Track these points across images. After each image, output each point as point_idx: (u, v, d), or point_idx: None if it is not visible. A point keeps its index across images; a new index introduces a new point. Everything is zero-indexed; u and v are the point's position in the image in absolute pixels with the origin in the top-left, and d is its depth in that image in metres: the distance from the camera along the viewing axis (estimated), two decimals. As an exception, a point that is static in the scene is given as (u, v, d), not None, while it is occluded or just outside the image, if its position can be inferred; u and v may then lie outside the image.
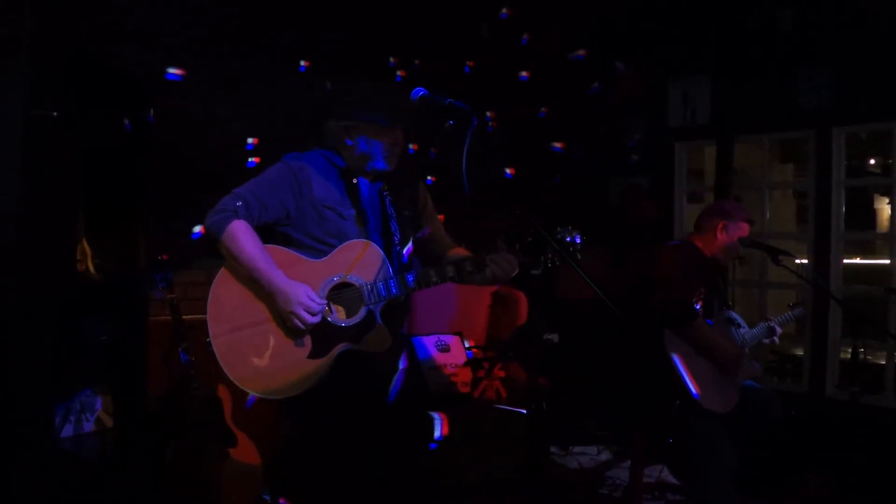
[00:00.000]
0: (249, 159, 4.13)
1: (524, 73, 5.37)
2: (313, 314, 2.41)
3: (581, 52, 5.64)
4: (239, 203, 2.47)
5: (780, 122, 4.98)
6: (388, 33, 4.79)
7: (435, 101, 2.41)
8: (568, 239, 2.46)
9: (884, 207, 8.63)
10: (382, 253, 2.52)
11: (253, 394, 2.46)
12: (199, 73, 4.12)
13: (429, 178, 3.71)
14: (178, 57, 4.06)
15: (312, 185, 2.54)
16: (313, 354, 2.44)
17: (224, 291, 2.49)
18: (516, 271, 2.51)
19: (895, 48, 4.36)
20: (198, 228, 3.92)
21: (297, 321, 2.40)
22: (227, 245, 2.45)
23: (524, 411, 4.33)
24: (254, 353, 2.43)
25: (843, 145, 4.74)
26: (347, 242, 2.51)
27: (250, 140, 4.13)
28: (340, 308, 2.49)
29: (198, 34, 4.13)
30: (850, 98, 4.57)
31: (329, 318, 2.46)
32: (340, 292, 2.49)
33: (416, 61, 4.77)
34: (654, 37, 5.53)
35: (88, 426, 3.48)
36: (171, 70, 4.04)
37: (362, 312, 2.48)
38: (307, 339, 2.45)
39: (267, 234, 2.54)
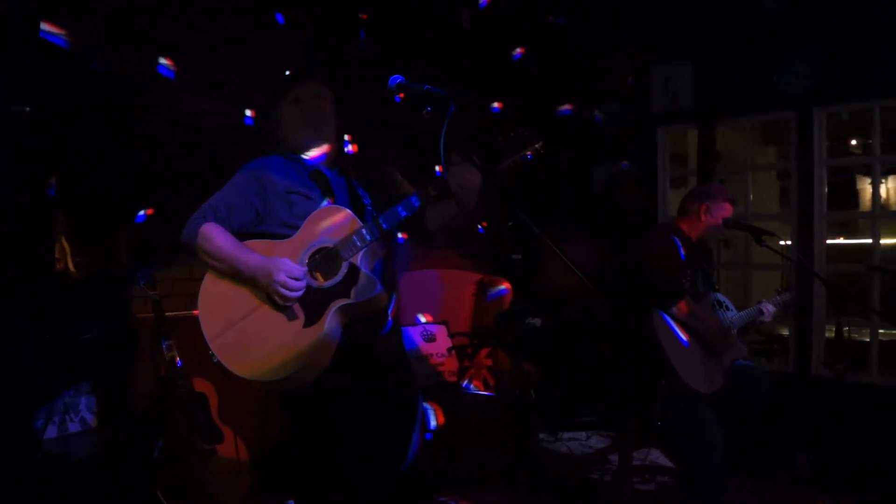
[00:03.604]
0: (247, 114, 4.14)
1: (519, 51, 5.34)
2: (298, 279, 2.41)
3: (568, 106, 5.67)
4: (207, 211, 2.53)
5: (762, 105, 4.99)
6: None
7: (413, 87, 2.40)
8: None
9: (866, 188, 8.68)
10: (348, 209, 2.53)
11: (262, 381, 2.43)
12: (182, 69, 4.08)
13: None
14: (160, 54, 4.02)
15: (274, 178, 2.58)
16: (308, 323, 2.43)
17: (211, 295, 2.51)
18: (479, 181, 2.48)
19: (874, 28, 4.37)
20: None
21: (284, 291, 2.39)
22: (201, 246, 2.48)
23: (492, 394, 4.35)
24: (253, 342, 2.43)
25: (825, 126, 4.75)
26: (314, 213, 2.52)
27: (248, 112, 4.14)
28: (321, 274, 2.48)
29: (179, 31, 4.09)
30: (830, 79, 4.58)
31: (313, 285, 2.46)
32: (319, 258, 2.49)
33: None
34: (636, 22, 5.52)
35: (73, 427, 3.45)
36: (162, 62, 4.00)
37: (344, 268, 2.47)
38: (299, 311, 2.44)
39: (242, 238, 2.55)
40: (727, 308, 3.75)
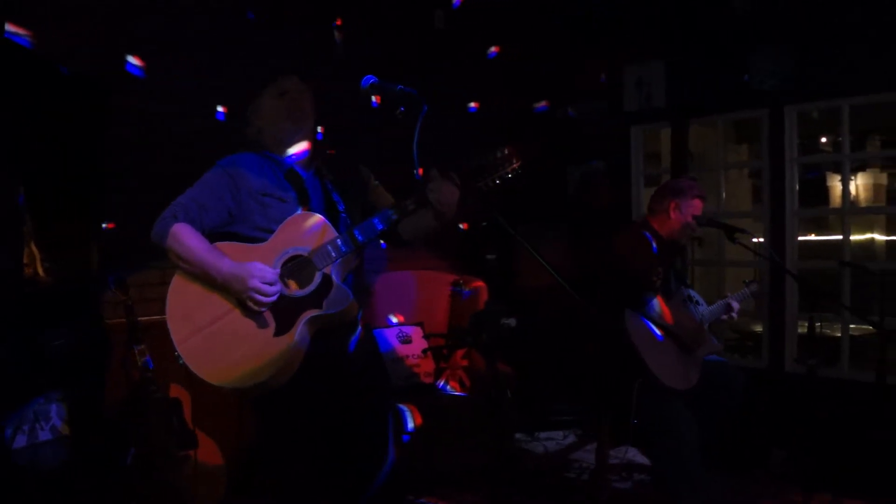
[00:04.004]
0: (218, 109, 4.10)
1: (494, 50, 5.33)
2: (272, 284, 2.39)
3: (544, 103, 5.68)
4: (177, 210, 2.48)
5: (734, 103, 5.03)
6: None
7: (386, 88, 2.40)
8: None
9: (836, 185, 8.79)
10: (323, 216, 2.51)
11: (231, 387, 2.40)
12: (152, 70, 4.04)
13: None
14: (129, 53, 3.97)
15: (247, 178, 2.54)
16: (279, 332, 2.41)
17: (180, 297, 2.47)
18: (457, 197, 2.50)
19: (844, 26, 4.42)
20: (104, 225, 3.90)
21: (257, 296, 2.37)
22: (171, 248, 2.44)
23: (464, 395, 4.35)
24: (221, 347, 2.40)
25: (796, 124, 4.80)
26: (288, 219, 2.49)
27: (220, 108, 4.10)
28: (294, 282, 2.46)
29: (150, 31, 4.04)
30: (800, 77, 4.63)
31: (285, 293, 2.43)
32: (292, 265, 2.47)
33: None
34: (609, 22, 5.54)
35: (44, 435, 3.39)
36: (131, 60, 3.94)
37: (317, 278, 2.45)
38: (270, 319, 2.42)
39: (214, 237, 2.52)
40: (698, 303, 3.77)
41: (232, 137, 2.75)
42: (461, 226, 4.95)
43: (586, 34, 5.66)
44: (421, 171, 2.41)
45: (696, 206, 3.70)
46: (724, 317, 3.87)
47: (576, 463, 4.59)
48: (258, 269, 2.38)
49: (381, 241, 2.78)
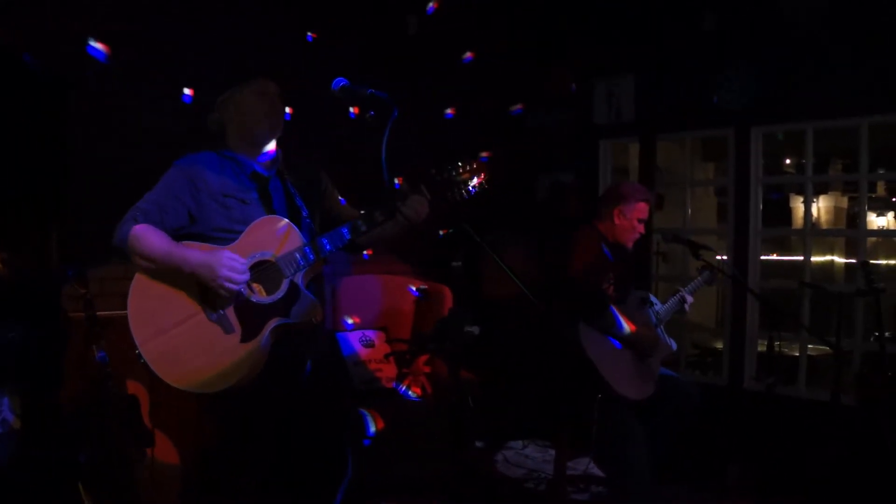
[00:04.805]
0: (185, 92, 4.04)
1: (469, 55, 5.34)
2: (241, 273, 2.38)
3: (519, 106, 5.69)
4: (137, 213, 2.47)
5: (701, 121, 5.09)
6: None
7: (356, 91, 2.41)
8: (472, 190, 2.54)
9: (798, 206, 8.95)
10: (292, 224, 2.51)
11: (192, 391, 2.40)
12: (117, 65, 3.98)
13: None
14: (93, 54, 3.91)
15: (207, 178, 2.53)
16: (245, 338, 2.41)
17: (142, 297, 2.45)
18: (427, 211, 2.55)
19: (812, 51, 4.50)
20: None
21: (227, 284, 2.36)
22: (134, 247, 2.42)
23: (419, 400, 4.35)
24: (185, 351, 2.39)
25: (761, 144, 4.88)
26: (255, 222, 2.49)
27: (187, 90, 4.04)
28: (261, 287, 2.46)
29: (117, 25, 3.98)
30: (767, 99, 4.70)
31: (252, 298, 2.43)
32: (259, 270, 2.46)
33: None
34: (581, 34, 5.58)
35: (-6, 428, 3.32)
36: (93, 44, 3.87)
37: (284, 286, 2.46)
38: (236, 325, 2.41)
39: (177, 240, 2.50)
40: (653, 304, 3.78)
41: (196, 133, 2.72)
42: (441, 232, 4.95)
43: (558, 44, 5.70)
44: (397, 179, 2.43)
45: (640, 210, 3.69)
46: (679, 308, 3.89)
47: (535, 473, 4.60)
48: (227, 256, 2.38)
49: None
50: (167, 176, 2.55)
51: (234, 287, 2.37)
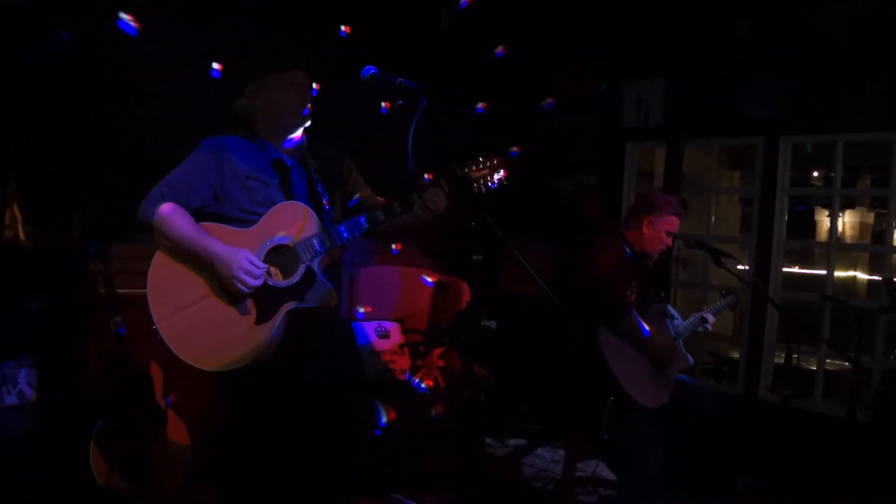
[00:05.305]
0: (213, 67, 4.05)
1: (500, 50, 5.30)
2: (255, 277, 2.40)
3: (550, 100, 5.65)
4: (165, 190, 2.49)
5: (731, 129, 5.05)
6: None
7: (385, 79, 2.40)
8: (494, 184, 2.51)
9: (823, 220, 8.84)
10: (311, 209, 2.53)
11: (207, 370, 2.43)
12: (144, 44, 3.99)
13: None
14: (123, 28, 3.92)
15: (233, 159, 2.55)
16: (260, 320, 2.43)
17: (162, 274, 2.48)
18: (445, 203, 2.55)
19: (844, 62, 4.44)
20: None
21: (239, 285, 2.39)
22: (159, 227, 2.45)
23: (437, 394, 4.34)
24: (201, 330, 2.42)
25: (790, 155, 4.82)
26: (276, 206, 2.51)
27: (215, 65, 4.06)
28: (278, 271, 2.49)
29: (147, 4, 3.99)
30: (798, 109, 4.65)
31: (269, 282, 2.45)
32: (276, 255, 2.49)
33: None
34: (612, 37, 5.55)
35: (10, 399, 3.35)
36: (123, 17, 3.88)
37: (301, 270, 2.47)
38: (251, 307, 2.44)
39: (198, 217, 2.52)
40: (674, 318, 3.75)
41: (221, 116, 2.73)
42: (471, 223, 4.91)
43: (590, 46, 5.66)
44: (427, 175, 2.43)
45: (671, 223, 3.64)
46: (700, 329, 3.86)
47: (543, 473, 4.58)
48: (246, 258, 2.40)
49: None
50: (194, 155, 2.57)
51: (244, 289, 2.40)
